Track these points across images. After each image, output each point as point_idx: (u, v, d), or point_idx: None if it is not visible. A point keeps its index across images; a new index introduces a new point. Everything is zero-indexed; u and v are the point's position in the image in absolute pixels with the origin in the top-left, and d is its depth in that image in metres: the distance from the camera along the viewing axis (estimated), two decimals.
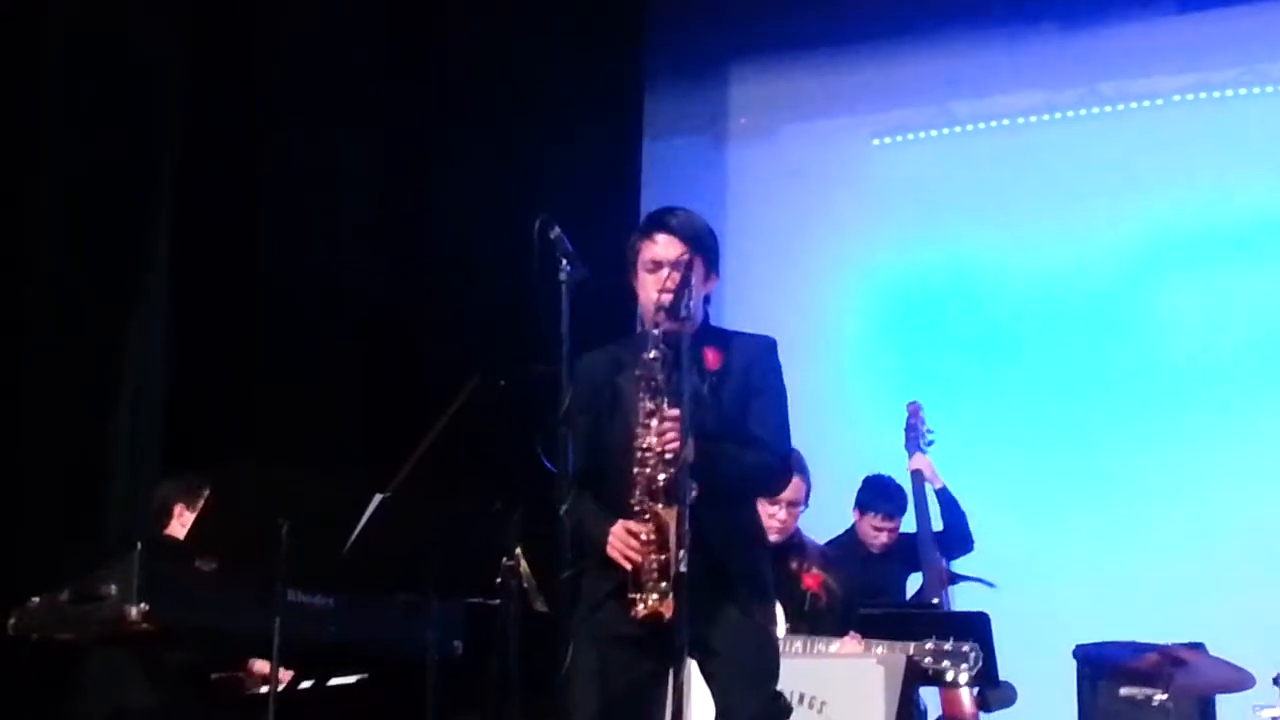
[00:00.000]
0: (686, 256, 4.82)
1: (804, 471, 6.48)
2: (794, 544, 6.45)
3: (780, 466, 4.96)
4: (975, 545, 7.70)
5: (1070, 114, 9.19)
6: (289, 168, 8.62)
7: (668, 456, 4.60)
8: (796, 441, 6.12)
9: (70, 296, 7.78)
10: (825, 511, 7.52)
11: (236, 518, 5.32)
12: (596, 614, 4.83)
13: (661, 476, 4.60)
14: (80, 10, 7.92)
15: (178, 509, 6.37)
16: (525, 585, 6.06)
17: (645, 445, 4.63)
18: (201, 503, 6.10)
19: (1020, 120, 9.29)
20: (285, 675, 5.87)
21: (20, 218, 7.68)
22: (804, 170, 9.26)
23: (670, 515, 4.58)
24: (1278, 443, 8.33)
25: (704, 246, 4.89)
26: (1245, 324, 8.61)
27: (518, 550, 5.89)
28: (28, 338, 7.66)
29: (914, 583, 7.73)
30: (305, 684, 6.04)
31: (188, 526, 6.10)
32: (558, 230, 5.04)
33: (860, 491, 7.65)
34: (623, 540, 4.66)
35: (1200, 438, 8.48)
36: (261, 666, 6.04)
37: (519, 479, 5.56)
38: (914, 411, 7.82)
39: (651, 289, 4.82)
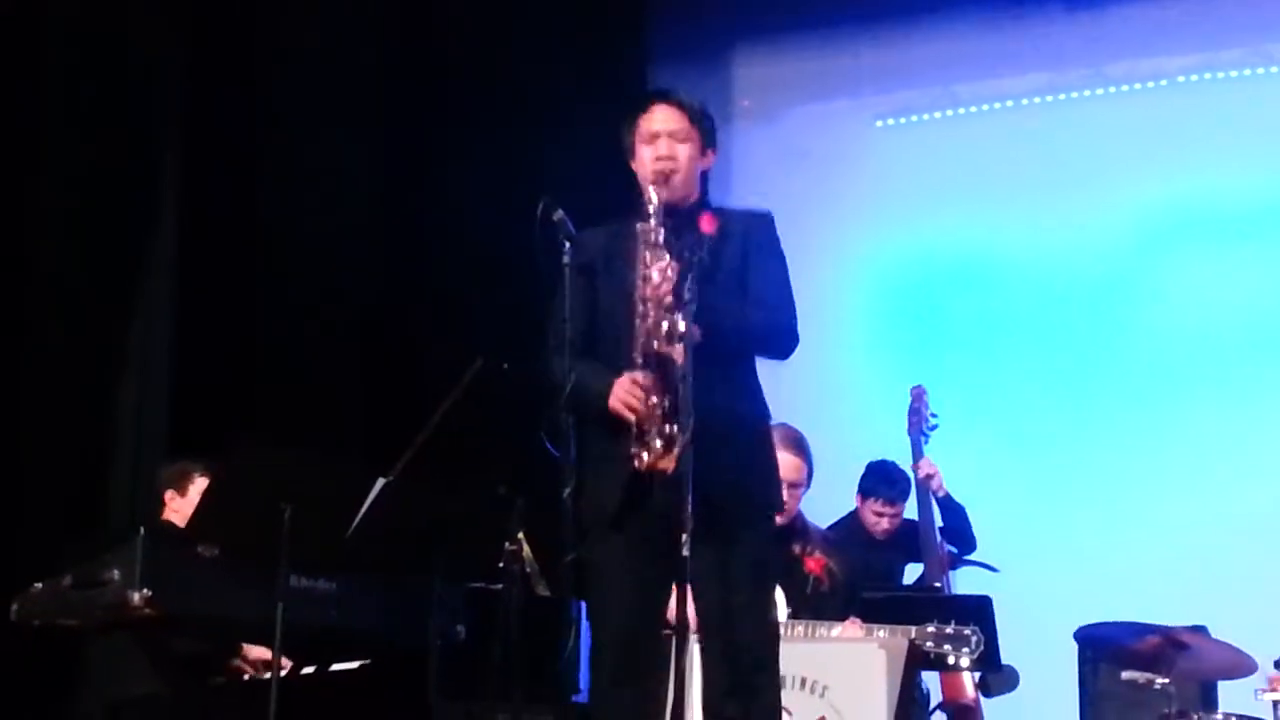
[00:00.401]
0: (686, 126, 4.87)
1: (805, 453, 6.46)
2: (796, 527, 6.43)
3: (783, 329, 4.89)
4: (977, 545, 7.68)
5: (1075, 95, 9.16)
6: (290, 164, 8.64)
7: (667, 302, 4.59)
8: (797, 423, 6.17)
9: (73, 290, 7.80)
10: (827, 495, 7.53)
11: (239, 503, 5.34)
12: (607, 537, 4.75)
13: (663, 323, 4.59)
14: (80, 10, 7.92)
15: (168, 495, 6.40)
16: (528, 570, 6.10)
17: (645, 295, 4.62)
18: (192, 488, 6.16)
19: (1024, 102, 9.27)
20: (287, 662, 5.87)
21: (22, 215, 7.68)
22: (807, 152, 9.24)
23: (675, 352, 4.56)
24: None
25: (701, 121, 4.93)
26: (1252, 305, 8.59)
27: (520, 535, 5.92)
28: (31, 330, 7.68)
29: (915, 570, 7.72)
30: (307, 669, 6.04)
31: (179, 513, 6.13)
32: (560, 213, 5.04)
33: (863, 477, 7.64)
34: (626, 389, 4.61)
35: (1204, 421, 8.46)
36: (258, 652, 6.06)
37: (521, 464, 5.58)
38: (918, 395, 7.79)
39: (648, 159, 4.86)
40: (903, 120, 9.48)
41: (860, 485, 7.61)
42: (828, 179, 9.22)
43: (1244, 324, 8.55)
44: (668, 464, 4.54)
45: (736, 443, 4.74)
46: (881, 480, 7.61)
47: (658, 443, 4.56)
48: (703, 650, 4.77)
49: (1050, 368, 8.85)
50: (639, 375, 4.60)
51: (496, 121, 9.00)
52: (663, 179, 4.80)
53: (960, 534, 7.64)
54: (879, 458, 7.69)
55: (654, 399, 4.57)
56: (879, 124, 9.51)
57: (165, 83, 8.15)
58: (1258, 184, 8.69)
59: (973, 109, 9.35)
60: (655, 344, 4.58)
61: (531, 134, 8.96)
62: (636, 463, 4.57)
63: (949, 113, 9.40)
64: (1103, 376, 8.75)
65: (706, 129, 4.95)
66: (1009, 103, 9.29)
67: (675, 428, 4.53)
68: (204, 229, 8.18)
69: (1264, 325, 8.53)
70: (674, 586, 4.58)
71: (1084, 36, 9.10)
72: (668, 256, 4.65)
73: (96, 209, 7.89)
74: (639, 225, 4.72)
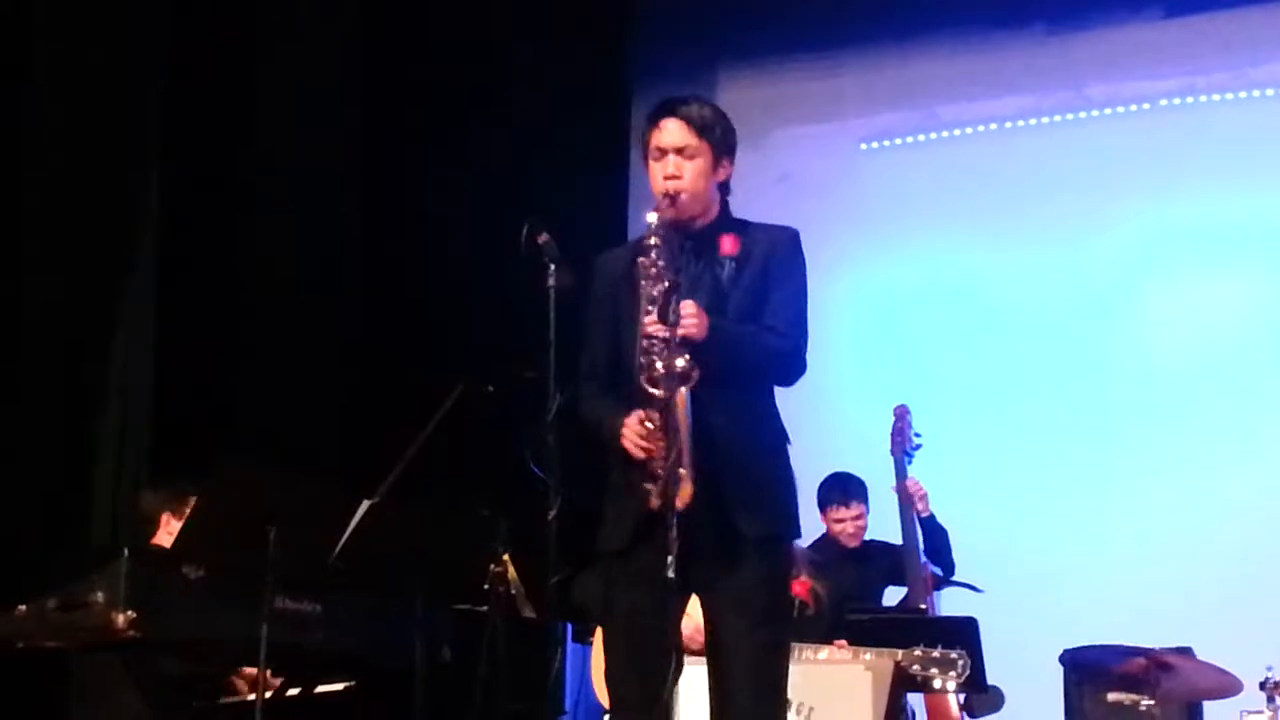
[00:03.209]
0: (694, 142, 4.72)
1: None
2: None
3: (794, 355, 4.74)
4: (955, 570, 7.67)
5: (1057, 118, 9.20)
6: (272, 187, 8.63)
7: (676, 341, 4.47)
8: None
9: (55, 310, 7.76)
10: (810, 516, 7.53)
11: (223, 524, 5.33)
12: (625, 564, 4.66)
13: (661, 365, 4.47)
14: (66, 12, 7.90)
15: (165, 518, 6.37)
16: (513, 591, 6.08)
17: (648, 332, 4.50)
18: (189, 511, 6.13)
19: (1007, 124, 9.29)
20: (273, 682, 5.85)
21: (2, 235, 7.66)
22: (792, 175, 9.26)
23: (677, 401, 4.46)
24: (1265, 447, 8.34)
25: (712, 133, 4.74)
26: (1232, 328, 8.62)
27: (505, 556, 5.91)
28: (12, 351, 7.64)
29: (897, 592, 7.72)
30: (293, 691, 6.02)
31: (174, 536, 6.10)
32: (546, 235, 5.03)
33: (817, 496, 7.63)
34: (634, 430, 4.51)
35: (1187, 442, 8.48)
36: (252, 673, 6.03)
37: (506, 485, 5.58)
38: (901, 415, 7.78)
39: (658, 176, 4.72)
40: (886, 143, 9.50)
41: (817, 504, 7.59)
42: (812, 201, 9.21)
43: (1227, 346, 8.58)
44: (679, 500, 4.45)
45: (745, 472, 4.63)
46: (831, 488, 7.62)
47: (663, 481, 4.47)
48: (710, 678, 4.72)
49: (1033, 389, 8.86)
50: (644, 415, 4.49)
51: (480, 142, 9.00)
52: (668, 201, 4.66)
53: (939, 557, 7.63)
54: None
55: (661, 440, 4.47)
56: (863, 146, 9.53)
57: (145, 108, 8.13)
58: (1239, 206, 8.71)
59: (956, 132, 9.38)
60: (657, 389, 4.48)
61: (516, 154, 8.97)
62: (651, 502, 4.47)
63: (932, 135, 9.43)
64: (1086, 398, 8.76)
65: (719, 140, 4.74)
66: (992, 125, 9.31)
67: (682, 469, 4.45)
68: (185, 251, 8.16)
69: (1247, 347, 8.56)
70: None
71: (1067, 60, 9.14)
72: (668, 286, 4.53)
73: (78, 229, 7.86)
74: (639, 260, 4.58)
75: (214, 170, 8.42)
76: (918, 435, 7.74)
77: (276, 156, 8.66)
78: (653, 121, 4.77)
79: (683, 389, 4.47)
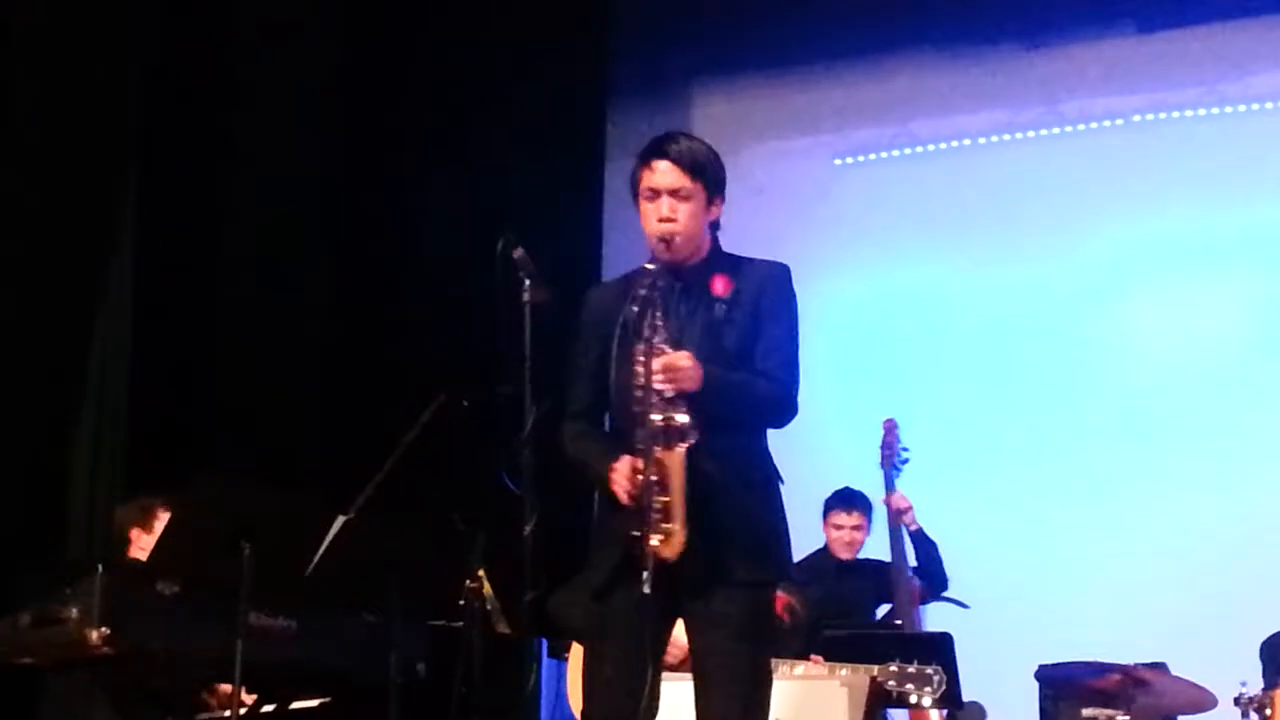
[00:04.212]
0: (687, 184, 4.71)
1: None
2: None
3: (785, 398, 4.75)
4: (949, 584, 7.68)
5: (1031, 134, 9.24)
6: (250, 196, 8.61)
7: (668, 396, 4.49)
8: None
9: (29, 322, 7.73)
10: (795, 535, 7.52)
11: (198, 540, 5.30)
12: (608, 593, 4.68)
13: (659, 417, 4.48)
14: (45, 9, 7.87)
15: (134, 533, 6.35)
16: (488, 607, 6.07)
17: (641, 384, 4.52)
18: (157, 524, 6.11)
19: (981, 140, 9.33)
20: (248, 699, 5.83)
21: None
22: (766, 190, 9.26)
23: (672, 459, 4.47)
24: (1240, 462, 8.37)
25: (705, 174, 4.74)
26: (1208, 342, 8.65)
27: (480, 572, 5.90)
28: None
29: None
30: (267, 708, 6.00)
31: (146, 550, 6.08)
32: (521, 250, 5.02)
33: (824, 504, 7.67)
34: (626, 476, 4.52)
35: (1163, 459, 8.51)
36: (227, 689, 6.01)
37: (482, 500, 5.56)
38: (890, 429, 7.78)
39: (651, 219, 4.72)
40: (861, 158, 9.52)
41: (822, 511, 7.64)
42: (786, 216, 9.24)
43: (1202, 361, 8.60)
44: (669, 552, 4.48)
45: (743, 516, 4.65)
46: (837, 496, 7.71)
47: (656, 539, 4.48)
48: (696, 700, 4.72)
49: (1008, 405, 8.88)
50: (640, 465, 4.50)
51: (457, 154, 9.00)
52: (664, 245, 4.66)
53: (932, 570, 7.64)
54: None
55: (651, 494, 4.48)
56: (837, 162, 9.55)
57: (121, 113, 8.11)
58: (1212, 221, 8.75)
59: (930, 147, 9.41)
60: (655, 448, 4.49)
61: (492, 167, 8.98)
62: (638, 549, 4.49)
63: (907, 151, 9.45)
64: (1061, 415, 8.78)
65: (711, 180, 4.75)
66: (966, 141, 9.34)
67: (675, 524, 4.47)
68: (162, 260, 8.16)
69: (1222, 363, 8.58)
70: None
71: (1041, 76, 9.18)
72: (663, 339, 4.54)
73: (52, 240, 7.84)
74: (633, 295, 4.60)
75: (190, 183, 8.41)
76: (905, 449, 7.74)
77: (255, 170, 8.65)
78: (644, 161, 4.78)
79: (680, 447, 4.50)
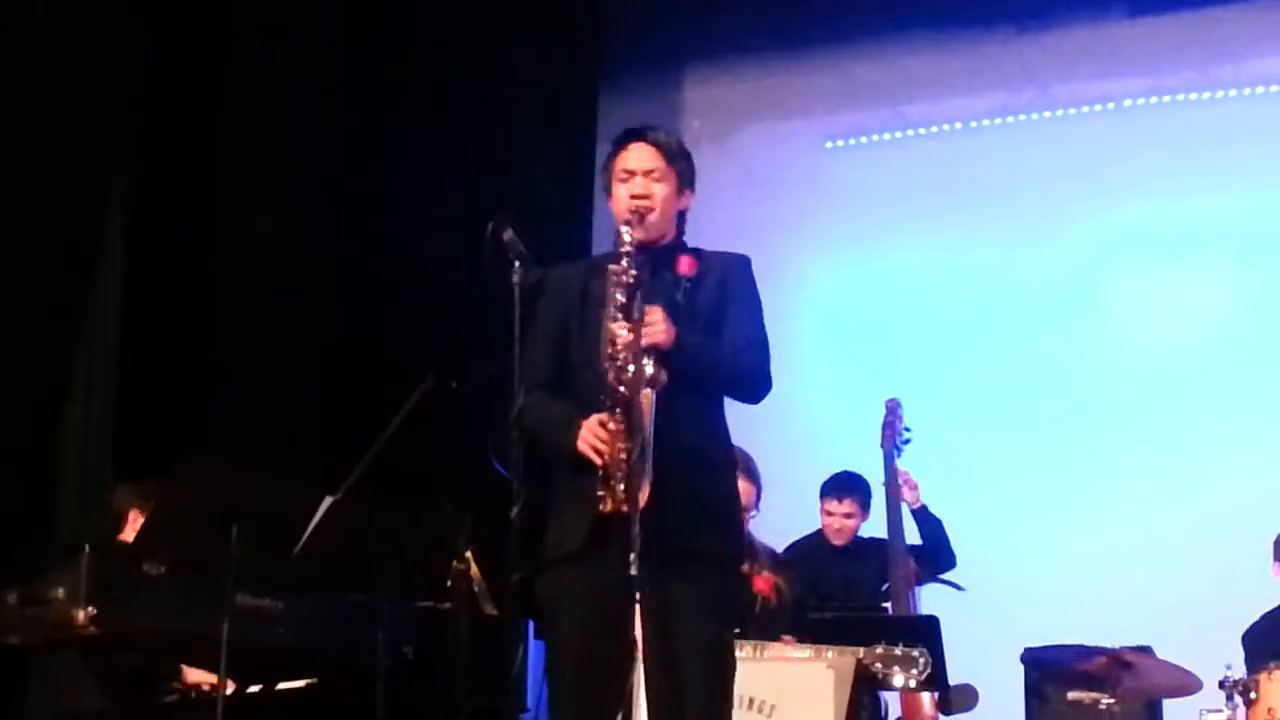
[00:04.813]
0: (662, 165, 4.79)
1: (753, 475, 6.50)
2: (744, 547, 6.42)
3: (756, 369, 4.79)
4: (956, 561, 7.68)
5: (1023, 117, 9.25)
6: (243, 179, 8.61)
7: (637, 346, 4.51)
8: (749, 446, 6.17)
9: (20, 306, 7.73)
10: (790, 516, 7.55)
11: (186, 520, 5.32)
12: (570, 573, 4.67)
13: (631, 367, 4.51)
14: (43, 6, 7.88)
15: (132, 515, 6.35)
16: (475, 589, 6.08)
17: (614, 338, 4.54)
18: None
19: (973, 123, 9.34)
20: (235, 679, 5.83)
21: None
22: (758, 173, 9.28)
23: (642, 401, 4.49)
24: (1226, 446, 8.39)
25: (678, 161, 4.84)
26: (1198, 326, 8.66)
27: (468, 554, 5.91)
28: None
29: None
30: (254, 688, 6.01)
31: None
32: (511, 232, 5.02)
33: (822, 484, 7.68)
34: (593, 432, 4.53)
35: (1149, 441, 8.53)
36: (196, 675, 6.03)
37: (469, 482, 5.57)
38: (892, 409, 7.73)
39: (624, 197, 4.78)
40: (852, 141, 9.53)
41: (820, 492, 7.63)
42: (778, 199, 9.26)
43: (1189, 345, 8.63)
44: (631, 508, 4.48)
45: (701, 486, 4.66)
46: (833, 480, 7.63)
47: (621, 487, 4.49)
48: (651, 678, 4.72)
49: (996, 388, 8.89)
50: (606, 418, 4.53)
51: (449, 141, 9.00)
52: (637, 218, 4.71)
53: (938, 548, 7.62)
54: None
55: (620, 443, 4.50)
56: (829, 145, 9.56)
57: (117, 101, 8.11)
58: (1204, 205, 8.76)
59: (921, 130, 9.41)
60: (623, 389, 4.52)
61: (483, 151, 8.97)
62: (603, 506, 4.50)
63: (898, 134, 9.46)
64: (1050, 398, 8.80)
65: (683, 169, 4.84)
66: (958, 124, 9.35)
67: (639, 472, 4.48)
68: (152, 247, 8.15)
69: (1209, 346, 8.61)
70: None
71: (1033, 59, 9.17)
72: (639, 298, 4.57)
73: (43, 225, 7.84)
74: (610, 266, 4.63)
75: (182, 167, 8.40)
76: (907, 429, 7.74)
77: (245, 153, 8.65)
78: (620, 145, 4.86)
79: (649, 391, 4.51)
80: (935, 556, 7.63)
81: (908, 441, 7.71)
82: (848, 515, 7.58)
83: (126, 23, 8.12)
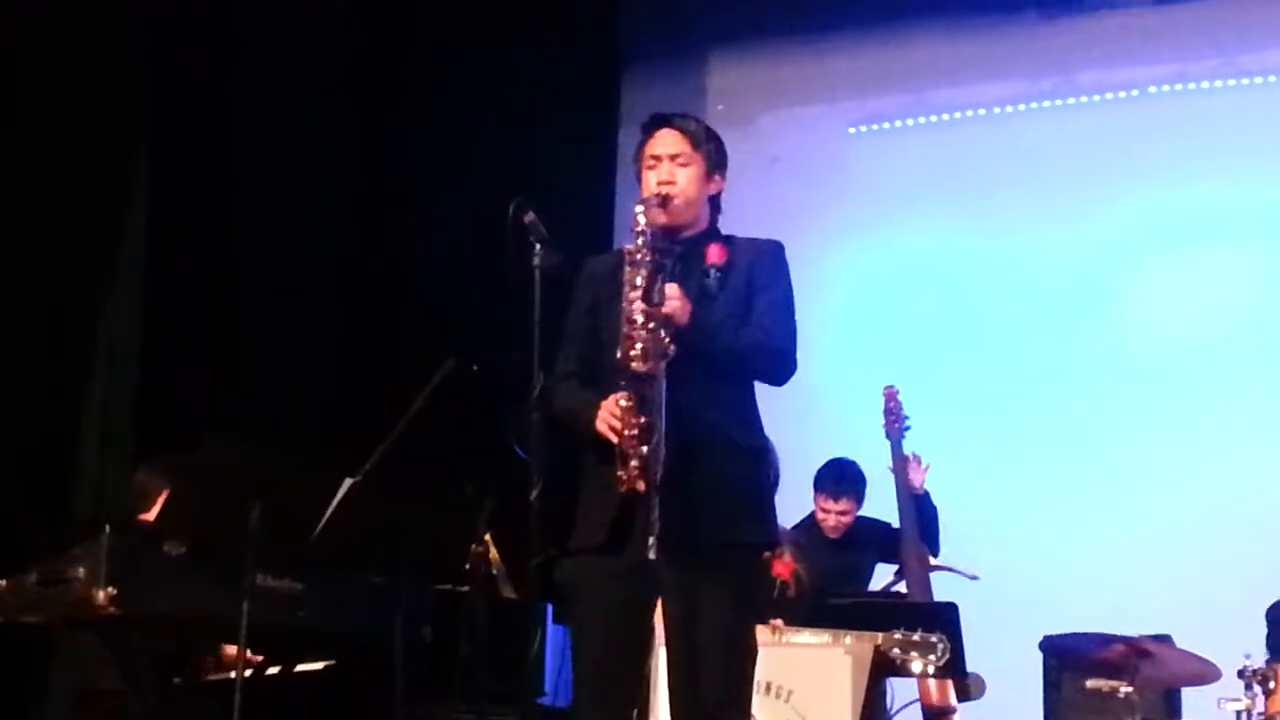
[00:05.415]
0: (688, 150, 4.81)
1: (771, 460, 6.47)
2: None
3: (779, 353, 4.79)
4: (940, 552, 7.66)
5: (1047, 104, 9.21)
6: (261, 162, 8.61)
7: (660, 321, 4.52)
8: (772, 428, 6.17)
9: (40, 284, 7.74)
10: (801, 501, 7.54)
11: (206, 501, 5.33)
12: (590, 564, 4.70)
13: (643, 344, 4.51)
14: (50, 3, 7.89)
15: (159, 494, 6.33)
16: (494, 572, 6.09)
17: (630, 313, 4.55)
18: None
19: (997, 110, 9.31)
20: (253, 659, 5.85)
21: None
22: (781, 157, 9.26)
23: (653, 370, 4.50)
24: (1246, 434, 8.36)
25: (706, 146, 4.85)
26: (1219, 315, 8.63)
27: (487, 537, 5.92)
28: None
29: (885, 570, 7.73)
30: (273, 669, 6.03)
31: None
32: (532, 215, 5.03)
33: (815, 472, 7.65)
34: (609, 410, 4.55)
35: (1170, 429, 8.50)
36: (231, 650, 6.03)
37: (489, 464, 5.58)
38: (890, 396, 7.76)
39: (651, 182, 4.79)
40: (876, 127, 9.51)
41: (813, 480, 7.61)
42: (801, 184, 9.25)
43: (1211, 333, 8.59)
44: (643, 484, 4.48)
45: (730, 473, 4.67)
46: (827, 475, 7.60)
47: (634, 462, 4.50)
48: (673, 660, 4.73)
49: (1019, 375, 8.88)
50: (622, 396, 4.54)
51: (469, 124, 9.00)
52: (659, 201, 4.72)
53: (928, 535, 7.62)
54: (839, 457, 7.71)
55: (636, 418, 4.50)
56: (852, 130, 9.54)
57: (134, 81, 8.12)
58: (1227, 192, 8.73)
59: (945, 116, 9.39)
60: (635, 362, 4.53)
61: (505, 134, 8.97)
62: (620, 486, 4.50)
63: (921, 120, 9.44)
64: (1070, 385, 8.77)
65: (711, 153, 4.86)
66: (981, 110, 9.32)
67: (651, 446, 4.48)
68: (174, 223, 8.16)
69: (1231, 334, 8.58)
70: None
71: (1057, 46, 9.14)
72: (659, 279, 4.57)
73: (65, 202, 7.85)
74: (626, 247, 4.65)
75: (204, 143, 8.41)
76: (907, 417, 7.74)
77: (266, 135, 8.65)
78: (647, 132, 4.89)
79: (661, 363, 4.52)
80: (924, 542, 7.62)
81: (908, 429, 7.70)
82: (843, 513, 7.57)
83: (129, 26, 8.12)
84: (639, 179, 4.87)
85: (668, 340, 4.53)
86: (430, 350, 6.48)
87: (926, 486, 7.64)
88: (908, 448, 7.67)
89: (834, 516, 7.55)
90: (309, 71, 8.81)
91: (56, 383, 7.82)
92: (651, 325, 4.52)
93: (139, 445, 7.61)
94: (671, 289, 4.59)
